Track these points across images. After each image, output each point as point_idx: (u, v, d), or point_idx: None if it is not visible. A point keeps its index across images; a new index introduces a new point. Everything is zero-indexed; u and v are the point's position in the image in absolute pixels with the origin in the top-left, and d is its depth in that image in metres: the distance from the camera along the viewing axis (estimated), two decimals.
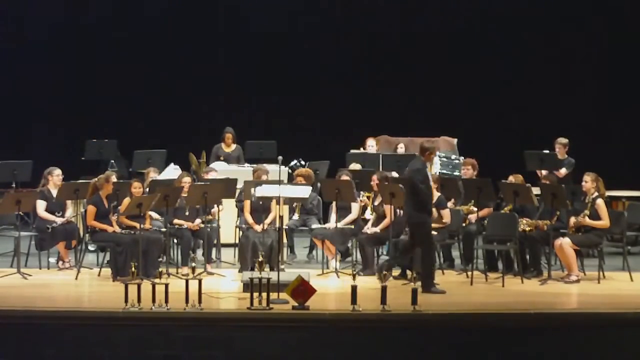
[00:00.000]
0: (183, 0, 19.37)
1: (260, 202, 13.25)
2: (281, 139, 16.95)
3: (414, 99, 18.83)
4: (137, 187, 13.30)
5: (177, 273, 12.92)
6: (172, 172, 15.33)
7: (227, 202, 14.37)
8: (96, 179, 13.31)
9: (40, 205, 13.66)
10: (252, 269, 12.61)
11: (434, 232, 12.81)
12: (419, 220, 12.14)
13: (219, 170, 15.33)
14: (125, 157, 16.87)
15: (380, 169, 14.98)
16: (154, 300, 10.68)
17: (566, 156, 15.49)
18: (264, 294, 10.80)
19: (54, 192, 13.76)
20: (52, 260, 13.93)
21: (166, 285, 10.68)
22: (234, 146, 16.78)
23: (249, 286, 10.94)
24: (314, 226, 14.02)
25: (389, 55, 19.13)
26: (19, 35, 19.11)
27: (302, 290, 10.84)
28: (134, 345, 10.56)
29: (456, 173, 15.86)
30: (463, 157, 15.92)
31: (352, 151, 16.54)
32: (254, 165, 15.24)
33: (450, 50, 18.99)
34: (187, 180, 13.76)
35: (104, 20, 19.01)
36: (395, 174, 14.93)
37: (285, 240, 14.00)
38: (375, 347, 10.61)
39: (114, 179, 13.56)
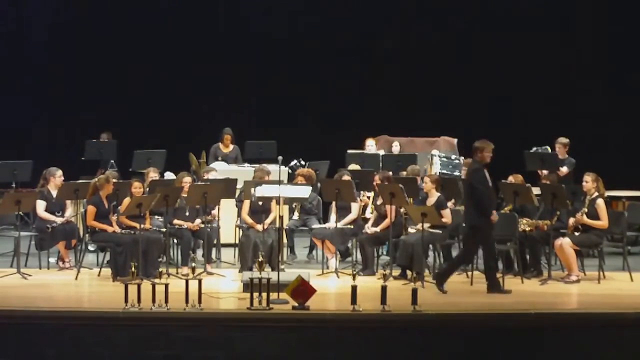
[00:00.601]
0: (183, 0, 19.38)
1: (260, 203, 13.25)
2: (281, 139, 16.94)
3: (414, 99, 18.83)
4: (137, 187, 13.30)
5: (177, 273, 12.91)
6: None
7: (228, 202, 14.36)
8: (96, 179, 13.31)
9: (40, 206, 13.66)
10: (251, 269, 12.62)
11: (436, 231, 12.86)
12: (476, 224, 12.03)
13: (219, 170, 15.33)
14: (126, 157, 16.83)
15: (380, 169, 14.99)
16: (154, 300, 10.68)
17: (567, 156, 15.48)
18: (264, 294, 10.80)
19: (54, 193, 13.75)
20: (52, 260, 13.93)
21: (166, 285, 10.67)
22: (231, 147, 16.78)
23: (249, 286, 10.94)
24: (314, 226, 14.02)
25: (389, 55, 19.14)
26: (19, 35, 19.11)
27: (302, 290, 10.84)
28: (134, 345, 10.56)
29: (456, 173, 15.86)
30: (463, 157, 15.91)
31: (349, 151, 16.52)
32: (256, 166, 15.24)
33: (450, 50, 18.98)
34: (187, 180, 13.76)
35: (104, 20, 19.01)
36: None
37: (285, 241, 14.00)
38: (375, 347, 10.61)
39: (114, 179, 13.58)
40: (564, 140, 15.50)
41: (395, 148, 17.00)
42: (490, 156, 12.30)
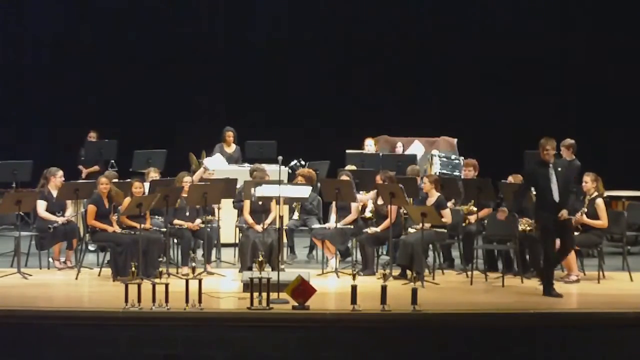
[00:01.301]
0: (183, 0, 19.38)
1: (260, 203, 13.25)
2: (281, 139, 16.94)
3: (414, 99, 18.83)
4: (138, 187, 13.29)
5: (177, 273, 12.92)
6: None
7: (228, 202, 14.36)
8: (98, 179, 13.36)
9: (41, 206, 13.65)
10: (251, 269, 12.63)
11: (441, 230, 12.87)
12: (536, 221, 12.16)
13: (220, 170, 15.31)
14: (126, 157, 16.81)
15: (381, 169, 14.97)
16: (154, 300, 10.69)
17: (573, 157, 15.35)
18: (264, 294, 10.80)
19: (54, 193, 13.74)
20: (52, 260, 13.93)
21: (166, 285, 10.68)
22: (234, 146, 16.73)
23: (249, 286, 10.95)
24: (314, 226, 14.02)
25: (389, 55, 19.13)
26: (19, 35, 19.12)
27: (302, 290, 10.84)
28: (134, 345, 10.56)
29: (456, 173, 15.85)
30: (463, 157, 15.90)
31: (348, 151, 16.51)
32: (252, 165, 15.21)
33: (450, 50, 18.98)
34: (187, 180, 13.75)
35: (105, 20, 19.01)
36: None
37: (285, 240, 14.00)
38: (375, 347, 10.62)
39: (114, 179, 13.59)
40: (567, 142, 15.35)
41: (399, 149, 16.95)
42: (550, 153, 12.00)
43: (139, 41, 18.87)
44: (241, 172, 15.46)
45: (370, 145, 16.57)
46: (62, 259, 13.79)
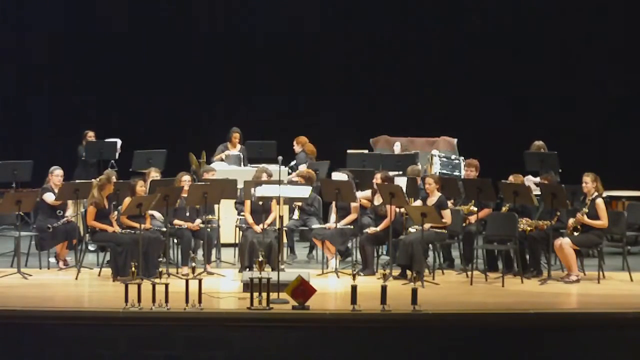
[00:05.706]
0: (183, 0, 19.38)
1: (260, 203, 13.25)
2: (281, 139, 16.93)
3: (414, 99, 18.83)
4: (141, 187, 13.28)
5: (177, 273, 12.92)
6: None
7: (228, 201, 14.35)
8: (97, 179, 13.33)
9: (48, 197, 13.61)
10: (250, 269, 12.64)
11: (438, 231, 12.88)
12: None
13: (219, 170, 15.31)
14: (126, 157, 16.81)
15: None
16: (154, 300, 10.69)
17: None
18: (264, 294, 10.81)
19: (56, 190, 13.75)
20: (52, 260, 13.93)
21: (166, 285, 10.69)
22: (239, 147, 16.71)
23: (249, 286, 10.95)
24: (314, 226, 14.02)
25: (389, 56, 19.13)
26: (19, 35, 19.12)
27: (302, 290, 10.84)
28: (134, 345, 10.57)
29: (456, 173, 15.85)
30: (463, 157, 15.90)
31: (349, 151, 16.51)
32: (259, 166, 15.19)
33: (450, 50, 18.98)
34: (186, 179, 13.74)
35: (105, 20, 19.00)
36: None
37: (285, 241, 13.99)
38: (375, 347, 10.62)
39: (114, 178, 13.58)
40: (537, 143, 15.31)
41: (397, 148, 16.93)
42: None
43: (139, 41, 18.87)
44: (242, 172, 15.45)
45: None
46: (69, 258, 13.79)
